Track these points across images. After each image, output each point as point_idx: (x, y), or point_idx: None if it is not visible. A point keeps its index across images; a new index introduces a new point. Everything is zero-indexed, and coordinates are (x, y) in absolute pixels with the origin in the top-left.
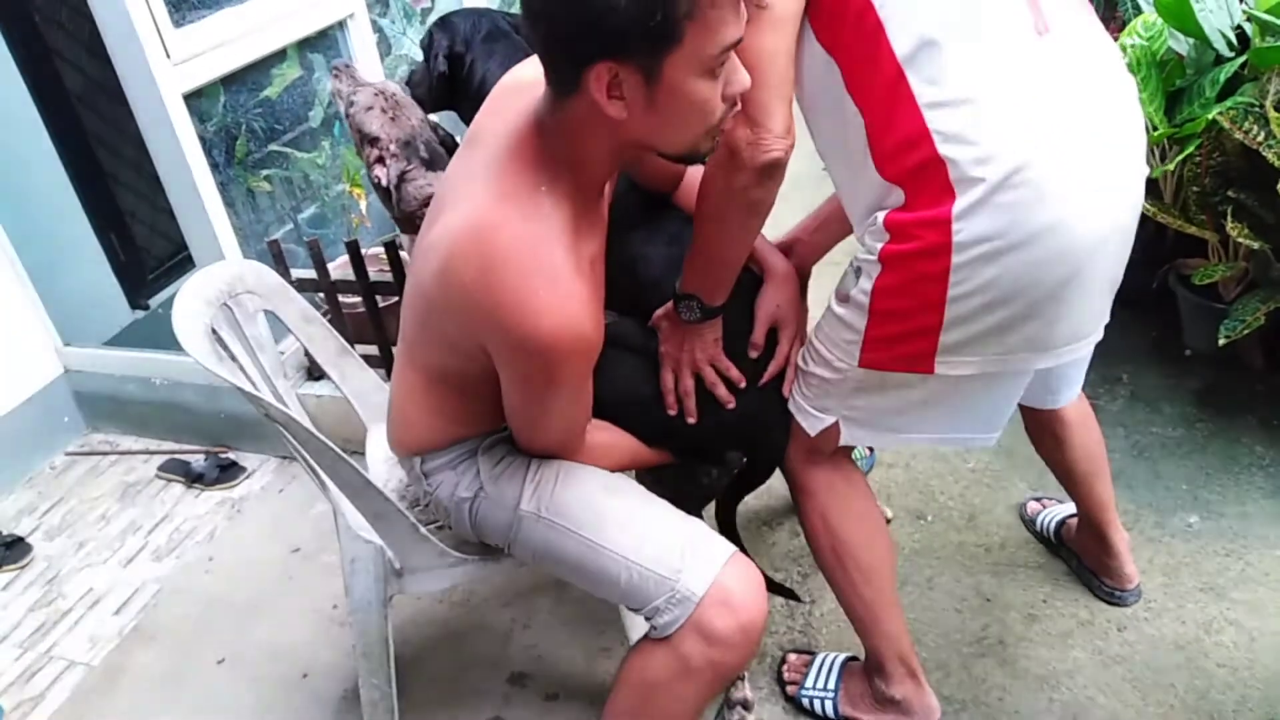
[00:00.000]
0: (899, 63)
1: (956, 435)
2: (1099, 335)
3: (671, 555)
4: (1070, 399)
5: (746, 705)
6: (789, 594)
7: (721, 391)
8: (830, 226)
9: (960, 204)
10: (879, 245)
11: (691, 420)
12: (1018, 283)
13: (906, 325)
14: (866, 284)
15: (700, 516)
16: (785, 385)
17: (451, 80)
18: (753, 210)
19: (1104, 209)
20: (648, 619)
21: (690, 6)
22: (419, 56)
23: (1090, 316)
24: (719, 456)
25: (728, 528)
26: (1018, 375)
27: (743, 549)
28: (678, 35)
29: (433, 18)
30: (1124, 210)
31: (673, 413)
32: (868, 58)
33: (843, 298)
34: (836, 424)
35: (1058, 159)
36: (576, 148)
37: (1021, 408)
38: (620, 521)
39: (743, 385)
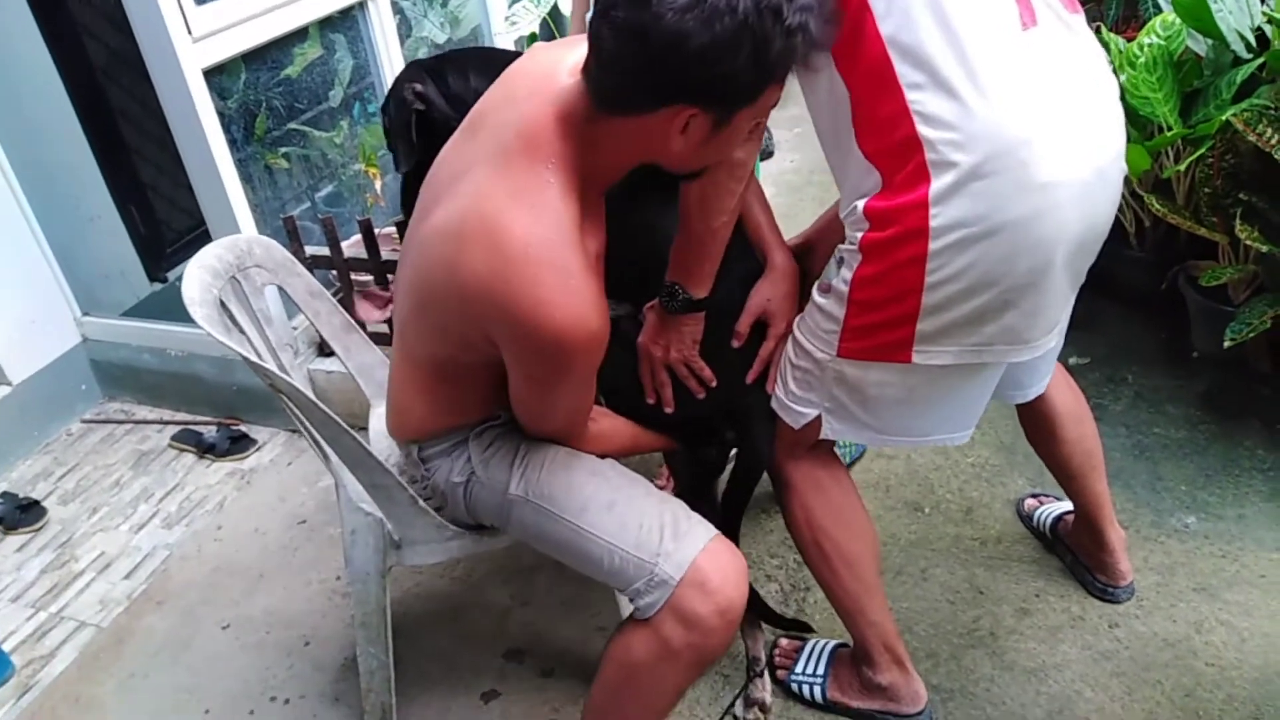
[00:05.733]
0: (884, 42)
1: (932, 437)
2: (1064, 329)
3: (651, 539)
4: (1038, 393)
5: (764, 707)
6: (802, 626)
7: (693, 385)
8: (832, 229)
9: (936, 187)
10: (859, 235)
11: (669, 409)
12: (992, 271)
13: (885, 314)
14: (847, 274)
15: (714, 490)
16: (769, 382)
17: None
18: (733, 173)
19: (1077, 203)
20: (631, 600)
21: (781, 73)
22: (439, 39)
23: (1060, 309)
24: (716, 439)
25: (731, 532)
26: (992, 369)
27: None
28: (759, 95)
29: None
30: (1098, 206)
31: (651, 401)
32: (855, 37)
33: (824, 288)
34: (819, 417)
35: (1033, 151)
36: (605, 155)
37: (1016, 406)
38: (603, 505)
39: (714, 385)
